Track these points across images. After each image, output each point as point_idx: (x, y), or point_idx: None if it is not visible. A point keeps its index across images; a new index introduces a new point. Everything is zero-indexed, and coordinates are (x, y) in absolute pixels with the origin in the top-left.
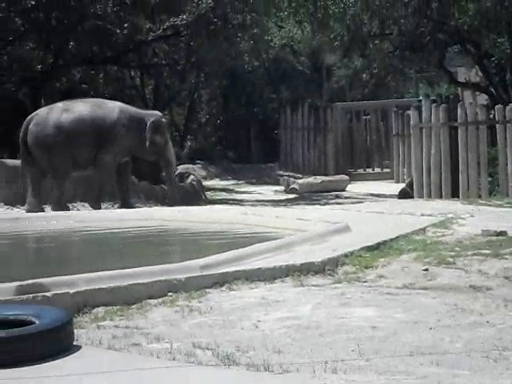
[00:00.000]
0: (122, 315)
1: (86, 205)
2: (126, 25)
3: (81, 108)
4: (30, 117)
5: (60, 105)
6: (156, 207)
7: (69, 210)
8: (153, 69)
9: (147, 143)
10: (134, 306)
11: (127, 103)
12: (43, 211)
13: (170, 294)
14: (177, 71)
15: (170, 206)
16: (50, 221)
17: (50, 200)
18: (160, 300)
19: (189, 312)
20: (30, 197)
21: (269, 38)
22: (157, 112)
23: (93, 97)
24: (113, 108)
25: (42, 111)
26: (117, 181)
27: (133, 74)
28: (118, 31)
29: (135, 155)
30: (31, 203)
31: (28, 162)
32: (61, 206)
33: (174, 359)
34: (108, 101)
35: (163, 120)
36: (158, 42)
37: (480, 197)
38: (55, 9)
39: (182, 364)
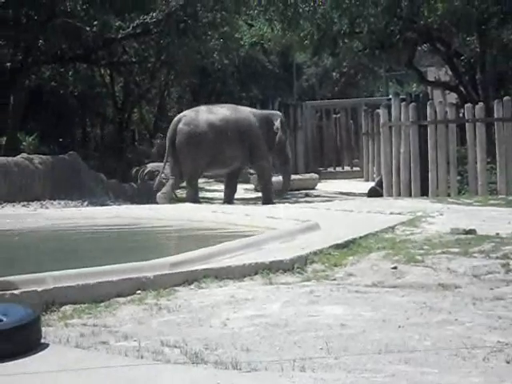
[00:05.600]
0: (90, 313)
1: (55, 202)
2: (95, 22)
3: (223, 110)
4: (177, 118)
5: (203, 108)
6: (126, 205)
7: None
8: (122, 66)
9: (276, 140)
10: (102, 304)
11: (96, 101)
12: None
13: (138, 292)
14: (147, 69)
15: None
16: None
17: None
18: (128, 298)
19: (157, 310)
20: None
21: (239, 37)
22: (277, 111)
23: (62, 94)
24: (246, 111)
25: (188, 113)
26: (227, 185)
27: (102, 71)
28: (88, 29)
29: None
30: (190, 197)
31: (177, 160)
32: (196, 202)
33: (141, 357)
34: (236, 105)
35: None
36: (127, 40)
37: (449, 195)
38: (25, 6)
39: (150, 362)
